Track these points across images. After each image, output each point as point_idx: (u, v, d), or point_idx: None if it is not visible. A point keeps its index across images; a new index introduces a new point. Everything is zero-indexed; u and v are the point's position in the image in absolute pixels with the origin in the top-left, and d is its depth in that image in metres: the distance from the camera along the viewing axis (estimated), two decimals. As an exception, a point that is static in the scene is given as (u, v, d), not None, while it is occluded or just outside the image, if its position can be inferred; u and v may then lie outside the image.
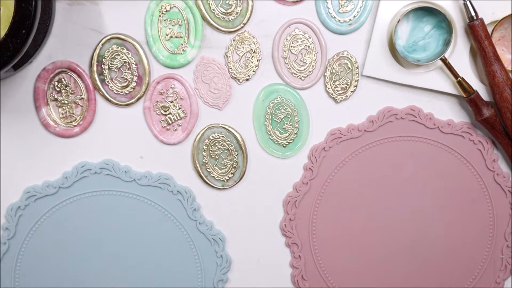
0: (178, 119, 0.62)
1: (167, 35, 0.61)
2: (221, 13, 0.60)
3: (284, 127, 0.63)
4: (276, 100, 0.62)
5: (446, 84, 0.61)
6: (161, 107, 0.62)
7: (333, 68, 0.62)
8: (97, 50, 0.60)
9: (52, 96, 0.61)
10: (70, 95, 0.62)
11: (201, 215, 0.64)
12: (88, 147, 0.62)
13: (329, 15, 0.61)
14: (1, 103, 0.61)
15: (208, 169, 0.63)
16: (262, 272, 0.65)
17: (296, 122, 0.62)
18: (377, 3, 0.60)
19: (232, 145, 0.62)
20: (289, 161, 0.63)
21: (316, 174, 0.63)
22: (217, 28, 0.61)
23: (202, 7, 0.60)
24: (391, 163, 0.63)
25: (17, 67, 0.59)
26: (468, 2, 0.58)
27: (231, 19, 0.60)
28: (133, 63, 0.61)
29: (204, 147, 0.62)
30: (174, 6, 0.60)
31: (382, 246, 0.64)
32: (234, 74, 0.62)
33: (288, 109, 0.62)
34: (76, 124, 0.62)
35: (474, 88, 0.60)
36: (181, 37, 0.61)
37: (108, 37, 0.60)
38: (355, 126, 0.62)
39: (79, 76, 0.61)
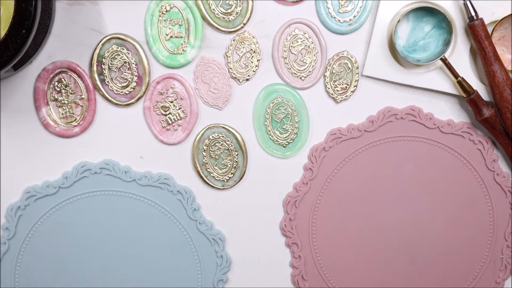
0: (178, 119, 0.62)
1: (167, 35, 0.61)
2: (221, 13, 0.60)
3: (284, 127, 0.63)
4: (276, 100, 0.62)
5: (446, 84, 0.61)
6: (161, 107, 0.62)
7: (333, 68, 0.62)
8: (97, 50, 0.60)
9: (52, 96, 0.61)
10: (70, 95, 0.61)
11: (201, 215, 0.64)
12: (88, 147, 0.62)
13: (329, 15, 0.61)
14: (1, 103, 0.61)
15: (208, 169, 0.63)
16: (262, 272, 0.65)
17: (296, 122, 0.62)
18: (377, 3, 0.60)
19: (232, 145, 0.62)
20: (289, 161, 0.63)
21: (316, 174, 0.63)
22: (217, 28, 0.61)
23: (202, 7, 0.60)
24: (391, 163, 0.63)
25: (17, 67, 0.59)
26: (468, 2, 0.58)
27: (231, 19, 0.60)
28: (133, 63, 0.61)
29: (204, 147, 0.62)
30: (174, 6, 0.60)
31: (382, 246, 0.64)
32: (234, 74, 0.62)
33: (288, 109, 0.62)
34: (76, 124, 0.62)
35: (474, 88, 0.60)
36: (181, 37, 0.61)
37: (108, 37, 0.60)
38: (355, 126, 0.62)
39: (79, 76, 0.61)
